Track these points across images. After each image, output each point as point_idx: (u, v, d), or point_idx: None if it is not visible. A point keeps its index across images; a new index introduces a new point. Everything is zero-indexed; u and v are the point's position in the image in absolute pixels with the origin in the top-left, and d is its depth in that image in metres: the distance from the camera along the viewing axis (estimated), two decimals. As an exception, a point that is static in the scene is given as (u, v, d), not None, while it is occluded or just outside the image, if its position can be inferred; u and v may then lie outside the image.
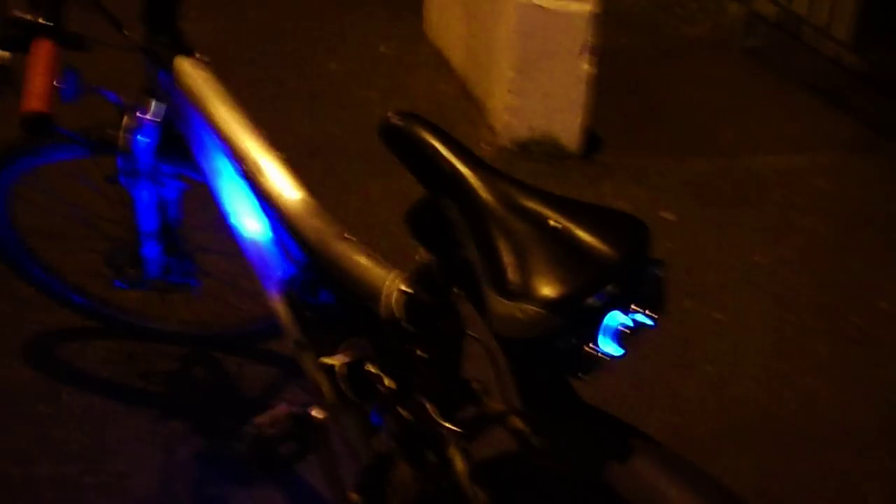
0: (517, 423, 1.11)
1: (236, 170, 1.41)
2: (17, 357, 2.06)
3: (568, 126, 3.31)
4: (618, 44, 3.29)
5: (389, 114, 1.00)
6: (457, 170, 0.92)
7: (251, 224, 1.43)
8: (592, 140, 3.40)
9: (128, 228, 1.77)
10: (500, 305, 0.85)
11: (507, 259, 0.85)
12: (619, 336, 0.86)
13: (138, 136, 1.51)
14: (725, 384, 2.25)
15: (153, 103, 1.48)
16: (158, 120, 1.50)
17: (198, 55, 1.39)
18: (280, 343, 2.01)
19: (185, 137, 1.42)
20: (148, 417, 1.94)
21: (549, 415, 1.00)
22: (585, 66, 3.19)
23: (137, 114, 1.49)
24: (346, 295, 1.29)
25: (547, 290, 0.82)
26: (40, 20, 1.21)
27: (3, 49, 1.22)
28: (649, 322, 0.88)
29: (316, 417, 1.34)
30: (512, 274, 0.85)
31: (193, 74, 1.36)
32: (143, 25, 1.40)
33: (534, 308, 0.82)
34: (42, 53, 1.15)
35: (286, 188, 1.26)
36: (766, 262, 2.82)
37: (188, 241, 1.80)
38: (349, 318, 1.31)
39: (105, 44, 1.33)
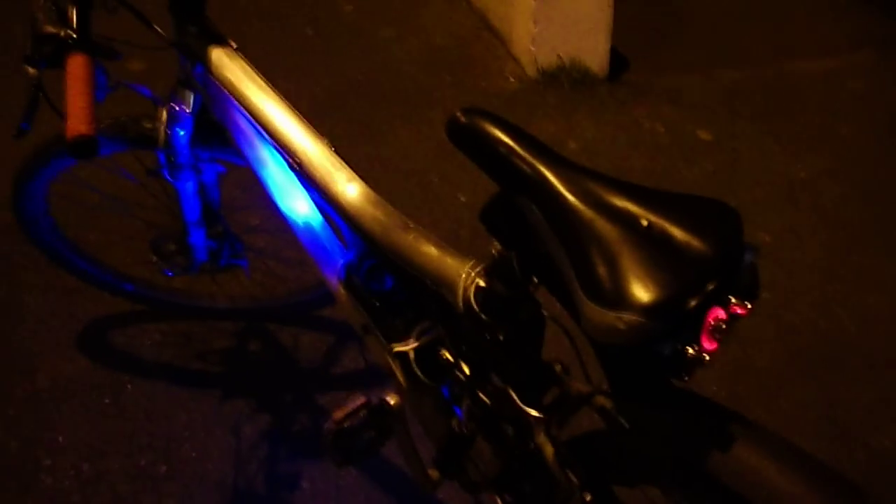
0: (604, 402, 1.10)
1: (284, 160, 1.38)
2: (71, 348, 2.06)
3: (594, 50, 3.23)
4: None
5: (456, 113, 0.95)
6: (536, 170, 0.89)
7: (301, 209, 1.40)
8: (619, 61, 3.32)
9: (171, 216, 1.75)
10: (597, 314, 0.82)
11: (601, 265, 0.82)
12: (716, 330, 0.83)
13: (178, 130, 1.47)
14: (782, 311, 2.23)
15: (187, 94, 1.44)
16: (194, 111, 1.46)
17: (230, 42, 1.34)
18: (332, 310, 2.02)
19: (224, 125, 1.38)
20: (212, 399, 1.95)
21: (641, 402, 0.98)
22: (608, -13, 3.09)
23: (174, 107, 1.45)
24: (412, 281, 1.26)
25: (647, 297, 0.79)
26: (71, 34, 1.16)
27: (38, 66, 1.17)
28: (744, 312, 0.85)
29: (390, 404, 1.33)
30: (607, 281, 0.81)
31: (230, 65, 1.31)
32: (172, 19, 1.35)
33: (634, 317, 0.79)
34: (78, 70, 1.11)
35: (340, 180, 1.22)
36: (809, 175, 2.76)
37: (231, 223, 1.77)
38: (416, 303, 1.29)
39: (136, 45, 1.28)
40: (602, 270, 0.82)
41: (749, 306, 0.84)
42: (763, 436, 0.91)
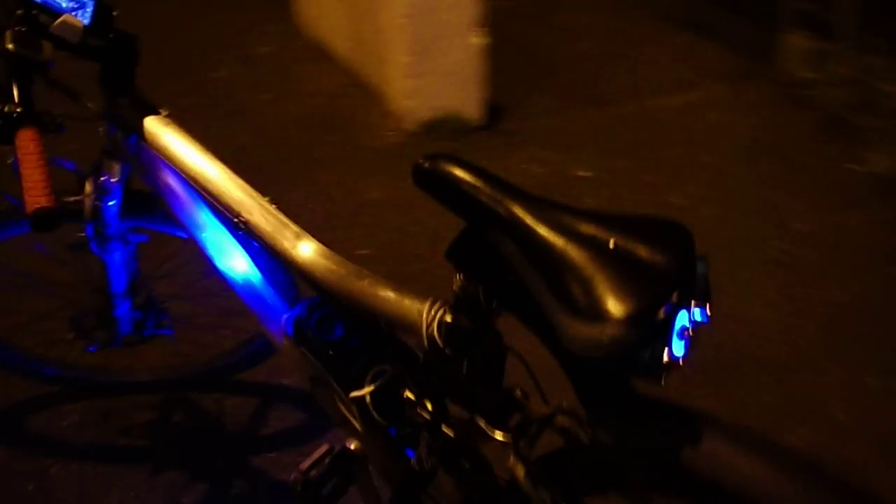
0: (564, 421, 1.17)
1: (223, 222, 1.41)
2: (-14, 439, 1.98)
3: (468, 100, 3.36)
4: (492, 4, 3.36)
5: (420, 160, 1.02)
6: (507, 206, 0.95)
7: (240, 268, 1.42)
8: (492, 109, 3.46)
9: (89, 292, 1.73)
10: (581, 330, 0.89)
11: (578, 286, 0.89)
12: (684, 335, 0.92)
13: (107, 201, 1.48)
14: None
15: (114, 166, 1.45)
16: (121, 181, 1.47)
17: (162, 111, 1.37)
18: (252, 373, 2.02)
19: (158, 192, 1.40)
20: (143, 474, 1.91)
21: (612, 410, 1.05)
22: (477, 40, 3.24)
23: (103, 179, 1.46)
24: (366, 327, 1.31)
25: (624, 310, 0.87)
26: (17, 109, 1.16)
27: None
28: (704, 318, 0.94)
29: (351, 449, 1.36)
30: (586, 300, 0.89)
31: (165, 132, 1.33)
32: (102, 92, 1.36)
33: (615, 328, 0.87)
34: (30, 144, 1.12)
35: (289, 237, 1.26)
36: (683, 202, 2.95)
37: (154, 292, 1.76)
38: (368, 349, 1.33)
39: (72, 118, 1.29)
40: (580, 291, 0.89)
41: (708, 312, 0.93)
42: (731, 429, 1.00)
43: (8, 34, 1.19)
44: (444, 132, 3.34)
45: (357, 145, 3.29)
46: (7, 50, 1.19)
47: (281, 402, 2.10)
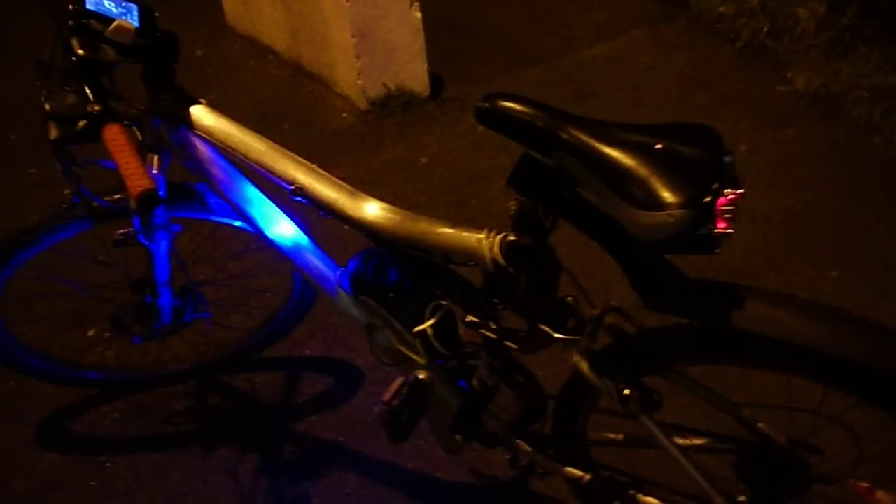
0: (613, 318, 1.35)
1: (268, 195, 1.54)
2: (34, 449, 2.07)
3: (415, 74, 3.50)
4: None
5: (480, 102, 1.16)
6: (566, 129, 1.11)
7: (291, 235, 1.56)
8: (436, 81, 3.60)
9: (129, 287, 1.84)
10: (650, 217, 1.06)
11: (638, 183, 1.06)
12: (726, 212, 1.09)
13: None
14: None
15: (155, 158, 1.56)
16: (164, 172, 1.58)
17: (202, 100, 1.48)
18: (273, 349, 2.15)
19: (206, 175, 1.51)
20: (195, 454, 2.02)
21: (666, 293, 1.23)
22: (417, 14, 3.38)
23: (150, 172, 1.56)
24: (419, 266, 1.45)
25: (681, 196, 1.04)
26: (98, 108, 1.27)
27: (69, 145, 1.28)
28: (737, 196, 1.11)
29: (421, 379, 1.51)
30: (646, 194, 1.05)
31: (212, 119, 1.45)
32: (147, 90, 1.47)
33: (677, 210, 1.04)
34: (118, 137, 1.23)
35: (344, 193, 1.39)
36: (633, 140, 3.14)
37: (191, 278, 1.88)
38: (423, 287, 1.48)
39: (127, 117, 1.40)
40: (639, 188, 1.06)
41: (741, 191, 1.11)
42: (768, 292, 1.19)
43: (75, 41, 1.29)
44: (395, 107, 3.47)
45: (313, 130, 3.40)
46: (78, 55, 1.29)
47: (307, 371, 2.23)
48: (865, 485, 1.52)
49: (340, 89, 3.58)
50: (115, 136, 1.23)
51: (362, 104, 3.48)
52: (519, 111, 1.14)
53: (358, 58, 3.36)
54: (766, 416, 1.39)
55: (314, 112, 3.54)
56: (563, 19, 4.10)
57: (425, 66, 3.50)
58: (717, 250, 1.09)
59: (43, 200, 1.65)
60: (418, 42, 3.43)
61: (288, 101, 3.66)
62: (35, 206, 1.67)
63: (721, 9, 3.73)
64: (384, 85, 3.46)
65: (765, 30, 3.56)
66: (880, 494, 1.52)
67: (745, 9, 3.64)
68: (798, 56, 3.42)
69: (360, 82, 3.43)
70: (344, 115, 3.51)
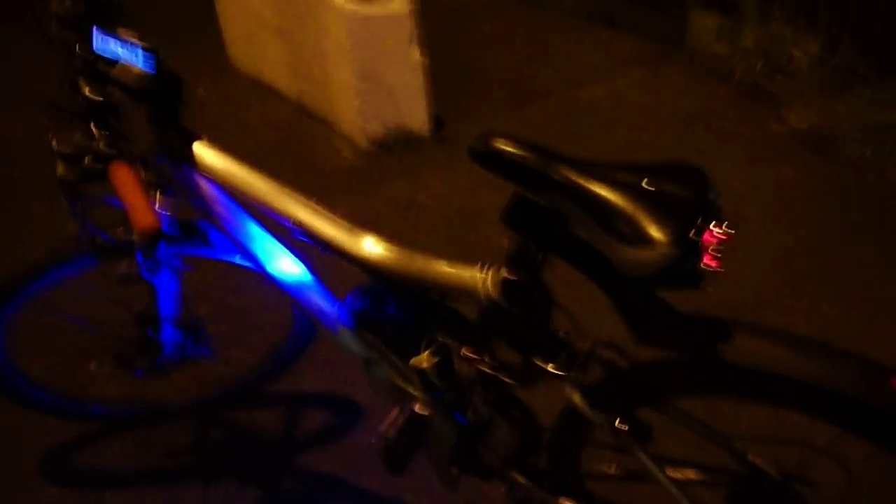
0: (605, 352, 1.38)
1: (269, 231, 1.58)
2: (36, 481, 2.09)
3: (415, 113, 3.56)
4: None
5: (473, 142, 1.20)
6: (556, 168, 1.15)
7: (292, 271, 1.59)
8: (435, 120, 3.66)
9: (133, 322, 1.87)
10: (631, 254, 1.09)
11: (627, 221, 1.10)
12: (713, 248, 1.13)
13: (157, 229, 1.62)
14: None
15: (160, 196, 1.60)
16: (167, 209, 1.62)
17: (203, 138, 1.53)
18: (274, 384, 2.18)
19: (209, 212, 1.55)
20: (196, 488, 2.04)
21: (656, 327, 1.26)
22: (417, 56, 3.44)
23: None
24: (416, 301, 1.49)
25: (667, 234, 1.08)
26: (105, 149, 1.32)
27: (77, 183, 1.32)
28: (726, 235, 1.15)
29: (419, 412, 1.54)
30: (633, 231, 1.09)
31: (214, 157, 1.49)
32: (152, 129, 1.51)
33: (663, 248, 1.08)
34: (125, 176, 1.27)
35: (342, 229, 1.43)
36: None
37: (194, 313, 1.91)
38: (420, 322, 1.51)
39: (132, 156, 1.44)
40: (627, 225, 1.10)
41: (730, 230, 1.14)
42: (755, 326, 1.22)
43: (82, 82, 1.34)
44: (396, 146, 3.52)
45: (314, 168, 3.46)
46: (85, 95, 1.34)
47: (307, 406, 2.26)
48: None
49: (341, 128, 3.64)
50: (120, 174, 1.27)
51: (363, 143, 3.53)
52: (510, 151, 1.18)
53: (359, 97, 3.42)
54: (759, 450, 1.41)
55: (315, 151, 3.60)
56: (563, 59, 4.17)
57: (426, 105, 3.56)
58: (702, 285, 1.13)
59: (47, 235, 1.69)
60: (419, 82, 3.49)
61: (289, 139, 3.72)
62: (39, 241, 1.71)
63: (716, 49, 3.79)
64: (384, 124, 3.51)
65: (759, 69, 3.62)
66: None
67: (740, 48, 3.70)
68: (792, 94, 3.47)
69: (360, 121, 3.49)
70: (344, 154, 3.56)
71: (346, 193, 3.21)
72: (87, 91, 1.35)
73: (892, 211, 2.87)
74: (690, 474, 1.50)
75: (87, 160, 1.32)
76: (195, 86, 4.23)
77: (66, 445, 2.18)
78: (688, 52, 3.95)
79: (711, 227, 1.13)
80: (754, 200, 2.96)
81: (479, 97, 3.91)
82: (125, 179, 1.27)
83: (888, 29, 3.25)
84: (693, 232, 1.10)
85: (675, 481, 1.44)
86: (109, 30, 1.40)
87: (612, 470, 1.63)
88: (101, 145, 1.32)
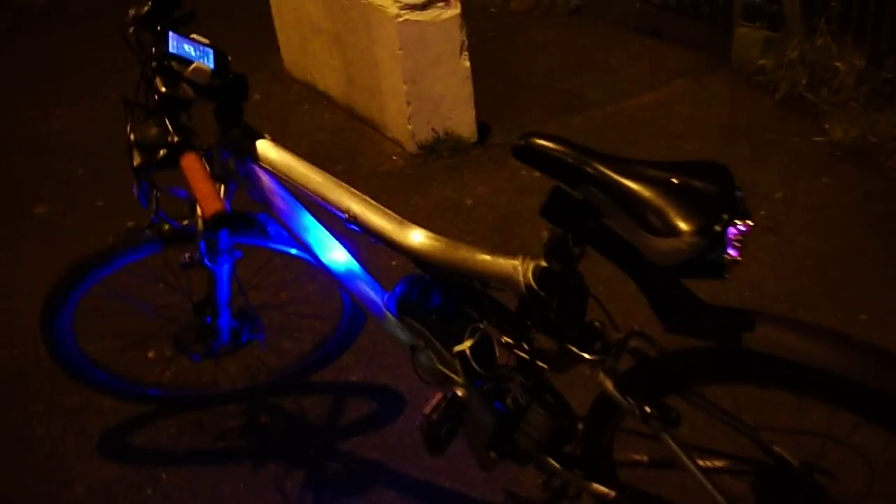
0: (636, 342, 1.45)
1: (323, 224, 1.68)
2: (96, 458, 2.22)
3: (462, 119, 3.66)
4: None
5: (517, 140, 1.30)
6: (592, 165, 1.24)
7: (343, 261, 1.69)
8: (482, 128, 3.75)
9: (192, 308, 1.99)
10: (665, 244, 1.18)
11: (656, 214, 1.18)
12: (736, 241, 1.21)
13: (220, 219, 1.73)
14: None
15: (223, 188, 1.71)
16: (230, 201, 1.73)
17: (266, 136, 1.64)
18: (321, 374, 2.28)
19: (268, 203, 1.66)
20: (245, 469, 2.15)
21: (683, 316, 1.33)
22: (466, 63, 3.54)
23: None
24: (459, 291, 1.58)
25: (694, 225, 1.16)
26: (177, 138, 1.44)
27: (150, 171, 1.44)
28: (747, 228, 1.23)
29: (459, 395, 1.63)
30: (662, 222, 1.18)
31: (276, 153, 1.60)
32: (217, 125, 1.63)
33: (690, 238, 1.16)
34: (194, 164, 1.39)
35: (392, 221, 1.53)
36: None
37: (249, 301, 2.02)
38: (462, 311, 1.60)
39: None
40: (657, 217, 1.18)
41: (750, 224, 1.22)
42: (777, 317, 1.29)
43: (158, 80, 1.46)
44: (444, 151, 3.62)
45: (364, 172, 3.57)
46: (160, 92, 1.46)
47: (352, 395, 2.36)
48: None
49: (391, 133, 3.75)
50: (191, 163, 1.38)
51: (411, 148, 3.64)
52: (550, 148, 1.27)
53: (408, 104, 3.53)
54: (783, 441, 1.48)
55: (365, 154, 3.71)
56: (608, 70, 4.24)
57: (473, 112, 3.65)
58: (726, 276, 1.20)
59: (109, 229, 1.82)
60: (467, 90, 3.59)
61: (340, 143, 3.84)
62: (101, 235, 1.83)
63: (761, 61, 3.84)
64: (433, 130, 3.62)
65: (804, 82, 3.66)
66: None
67: (785, 61, 3.74)
68: (835, 108, 3.51)
69: (409, 127, 3.59)
70: (394, 157, 3.67)
71: (395, 196, 3.31)
72: (161, 88, 1.46)
73: (931, 224, 2.90)
74: (717, 463, 1.57)
75: (161, 151, 1.43)
76: (252, 91, 4.36)
77: (124, 425, 2.31)
78: (733, 64, 4.00)
79: (736, 221, 1.21)
80: (794, 210, 3.01)
81: (525, 106, 3.99)
82: (195, 168, 1.38)
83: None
84: (718, 225, 1.18)
85: (702, 469, 1.51)
86: (183, 34, 1.52)
87: (643, 458, 1.70)
88: (174, 138, 1.43)
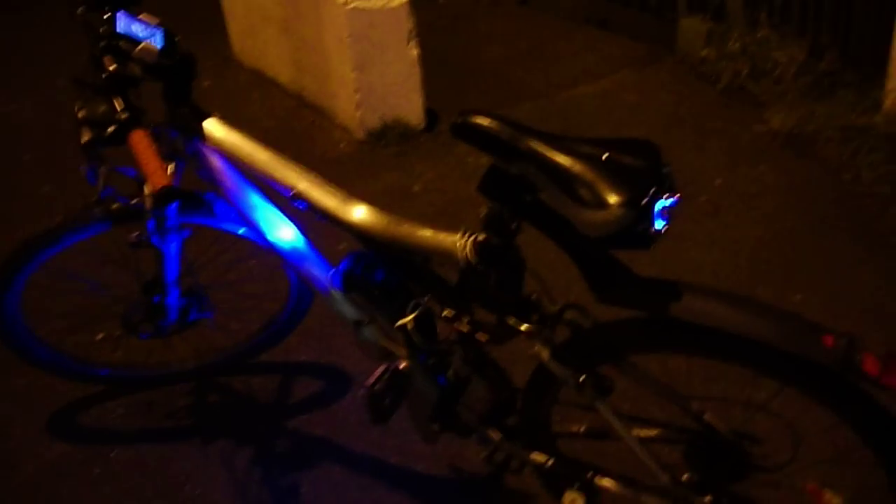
0: (572, 314, 1.51)
1: (270, 202, 1.72)
2: (45, 438, 2.23)
3: (410, 107, 3.70)
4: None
5: (455, 117, 1.35)
6: (525, 141, 1.30)
7: (289, 238, 1.73)
8: (430, 115, 3.80)
9: (140, 287, 2.01)
10: (590, 216, 1.24)
11: (587, 186, 1.24)
12: (664, 214, 1.27)
13: (167, 198, 1.76)
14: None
15: (171, 167, 1.74)
16: (178, 180, 1.76)
17: (215, 114, 1.67)
18: (269, 354, 2.32)
19: (215, 182, 1.69)
20: (195, 447, 2.18)
21: (616, 288, 1.40)
22: (414, 51, 3.58)
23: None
24: (402, 267, 1.62)
25: (622, 197, 1.22)
26: (126, 116, 1.46)
27: (98, 147, 1.46)
28: (674, 202, 1.29)
29: (401, 369, 1.68)
30: (593, 195, 1.24)
31: (223, 132, 1.64)
32: (166, 105, 1.65)
33: (618, 210, 1.22)
34: (143, 141, 1.41)
35: (337, 197, 1.58)
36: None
37: (197, 279, 2.05)
38: (405, 287, 1.65)
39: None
40: (587, 190, 1.24)
41: (677, 196, 1.28)
42: (706, 288, 1.36)
43: (107, 59, 1.48)
44: (392, 138, 3.66)
45: (313, 158, 3.58)
46: (109, 71, 1.48)
47: (300, 375, 2.40)
48: (814, 485, 1.67)
49: (340, 120, 3.78)
50: (139, 140, 1.41)
51: (360, 135, 3.67)
52: (486, 125, 1.33)
53: (357, 91, 3.56)
54: (711, 409, 1.54)
55: (314, 141, 3.74)
56: (554, 60, 4.31)
57: (421, 100, 3.70)
58: (649, 247, 1.27)
59: (56, 215, 1.83)
60: (415, 77, 3.63)
61: (290, 130, 3.86)
62: (49, 221, 1.85)
63: (705, 52, 3.93)
64: (381, 117, 3.65)
65: (745, 73, 3.76)
66: (828, 495, 1.66)
67: (727, 53, 3.84)
68: (775, 98, 3.61)
69: (358, 114, 3.62)
70: (343, 144, 3.70)
71: (343, 182, 3.24)
72: (110, 67, 1.49)
73: (865, 209, 3.00)
74: (650, 432, 1.64)
75: (109, 128, 1.46)
76: (201, 78, 4.35)
77: (72, 405, 2.32)
78: (678, 55, 4.09)
79: (664, 196, 1.27)
80: (732, 195, 3.10)
81: (473, 94, 4.04)
82: (143, 145, 1.40)
83: (874, 37, 3.40)
84: (646, 199, 1.24)
85: (636, 438, 1.58)
86: (132, 13, 1.55)
87: (581, 429, 1.76)
88: (122, 115, 1.46)
